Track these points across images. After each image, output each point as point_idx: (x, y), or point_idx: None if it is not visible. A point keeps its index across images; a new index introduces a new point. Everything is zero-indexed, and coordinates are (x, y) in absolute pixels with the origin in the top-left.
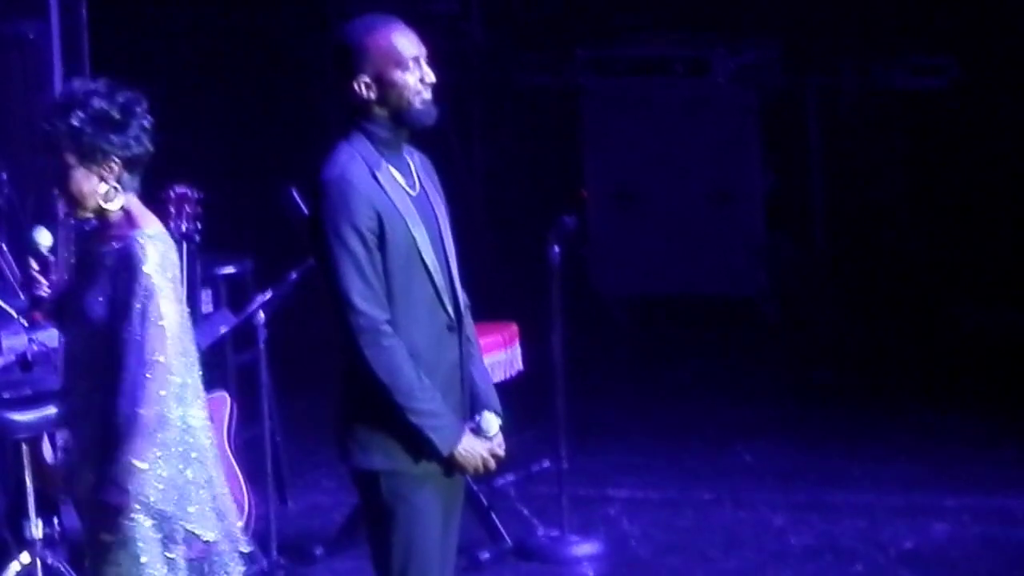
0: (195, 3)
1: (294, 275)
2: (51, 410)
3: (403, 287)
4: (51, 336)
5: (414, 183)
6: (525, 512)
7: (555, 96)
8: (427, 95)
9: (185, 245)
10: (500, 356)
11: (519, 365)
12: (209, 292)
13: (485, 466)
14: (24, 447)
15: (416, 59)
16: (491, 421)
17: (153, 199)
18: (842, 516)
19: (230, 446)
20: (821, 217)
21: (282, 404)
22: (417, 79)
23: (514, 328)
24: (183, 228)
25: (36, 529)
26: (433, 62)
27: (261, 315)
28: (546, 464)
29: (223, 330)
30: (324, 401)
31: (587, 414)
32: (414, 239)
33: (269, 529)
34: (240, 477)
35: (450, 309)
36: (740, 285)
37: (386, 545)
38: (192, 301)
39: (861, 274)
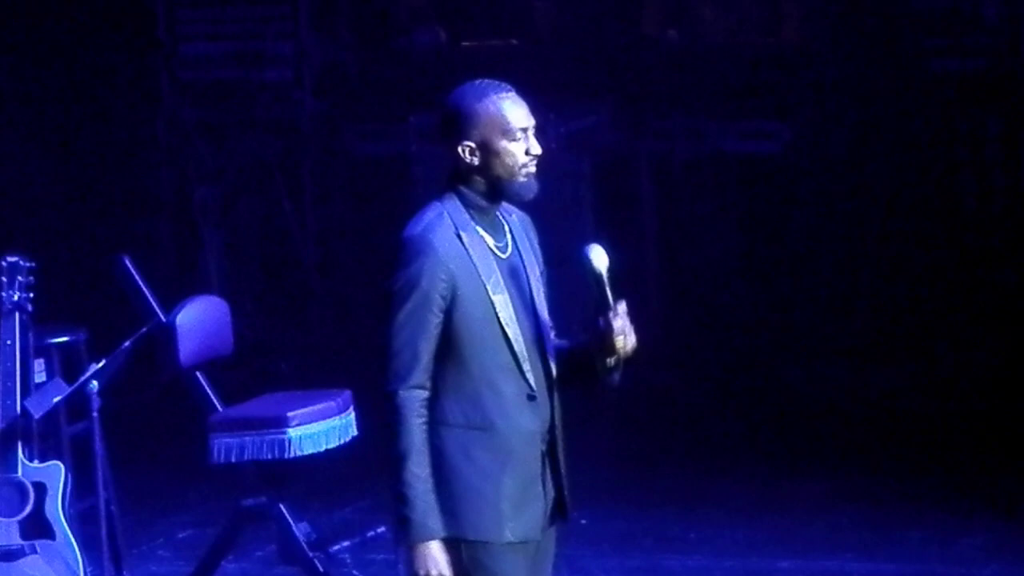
0: (26, 69)
1: (127, 344)
2: None
3: (475, 352)
4: None
5: (506, 245)
6: None
7: (387, 163)
8: (531, 168)
9: (17, 315)
10: (335, 422)
11: (354, 431)
12: (42, 361)
13: None
14: None
15: (524, 130)
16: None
17: None
18: None
19: (65, 516)
20: (656, 281)
21: (116, 474)
22: (523, 150)
23: (348, 394)
24: (15, 297)
25: None
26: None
27: (94, 384)
28: (382, 530)
29: (56, 399)
30: (157, 471)
31: None
32: (492, 304)
33: None
34: (76, 547)
35: (531, 378)
36: None
37: None
38: (25, 371)
39: (696, 337)
